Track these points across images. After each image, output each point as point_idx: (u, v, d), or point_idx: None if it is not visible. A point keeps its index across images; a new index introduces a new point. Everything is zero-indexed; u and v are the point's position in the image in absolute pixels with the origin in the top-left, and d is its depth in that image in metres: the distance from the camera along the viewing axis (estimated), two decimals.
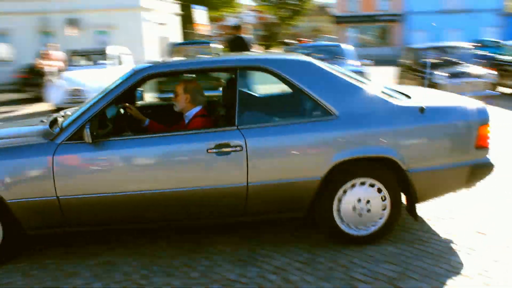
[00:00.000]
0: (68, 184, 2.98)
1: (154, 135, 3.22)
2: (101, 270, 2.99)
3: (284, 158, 3.12)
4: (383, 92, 3.42)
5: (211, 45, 11.71)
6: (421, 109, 3.23)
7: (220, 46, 12.35)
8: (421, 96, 3.77)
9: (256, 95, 4.07)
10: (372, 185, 3.22)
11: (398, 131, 3.20)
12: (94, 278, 2.88)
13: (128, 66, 12.17)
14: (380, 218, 3.28)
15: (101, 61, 11.79)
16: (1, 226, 3.07)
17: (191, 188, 3.07)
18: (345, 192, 3.22)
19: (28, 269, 3.04)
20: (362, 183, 3.22)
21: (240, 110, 3.16)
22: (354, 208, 3.25)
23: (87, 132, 2.86)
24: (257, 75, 4.01)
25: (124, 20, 22.53)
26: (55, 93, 10.13)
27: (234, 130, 3.06)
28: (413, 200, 3.31)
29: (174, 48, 12.01)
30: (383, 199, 3.24)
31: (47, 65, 11.59)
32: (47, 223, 3.11)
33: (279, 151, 3.12)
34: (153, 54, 22.46)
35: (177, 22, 28.48)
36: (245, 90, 3.71)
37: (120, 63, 11.75)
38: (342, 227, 3.27)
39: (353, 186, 3.22)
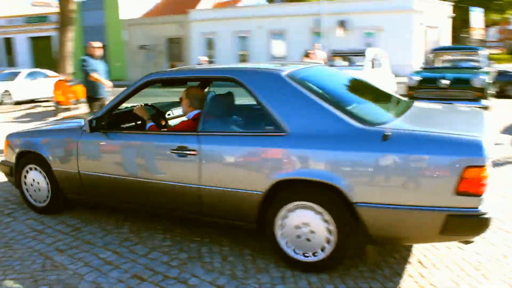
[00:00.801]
0: (83, 163, 3.89)
1: (138, 132, 3.93)
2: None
3: (231, 167, 3.22)
4: (357, 111, 3.12)
5: (480, 51, 11.10)
6: (385, 136, 2.81)
7: (494, 52, 11.53)
8: (418, 118, 3.33)
9: (224, 104, 3.93)
10: (318, 211, 3.02)
11: (347, 157, 2.90)
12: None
13: (386, 69, 12.75)
14: (323, 249, 3.06)
15: (358, 63, 12.17)
16: (50, 188, 4.23)
17: (158, 181, 3.52)
18: (288, 213, 3.11)
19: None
20: (306, 207, 3.05)
21: (204, 118, 3.40)
22: (296, 232, 3.11)
23: (87, 124, 3.75)
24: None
25: (393, 22, 22.93)
26: None
27: (193, 136, 3.34)
28: (368, 240, 2.99)
29: (435, 53, 11.87)
30: (329, 228, 3.01)
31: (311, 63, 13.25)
32: (76, 191, 4.07)
33: (228, 160, 3.23)
34: (421, 58, 22.28)
35: (448, 25, 27.37)
36: (218, 99, 3.77)
37: (378, 65, 11.84)
38: (286, 249, 3.17)
39: (297, 208, 3.08)
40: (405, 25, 23.04)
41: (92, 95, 7.46)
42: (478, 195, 2.73)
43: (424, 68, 10.63)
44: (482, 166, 2.70)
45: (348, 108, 3.18)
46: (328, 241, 3.05)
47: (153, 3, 34.42)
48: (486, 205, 2.77)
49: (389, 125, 2.97)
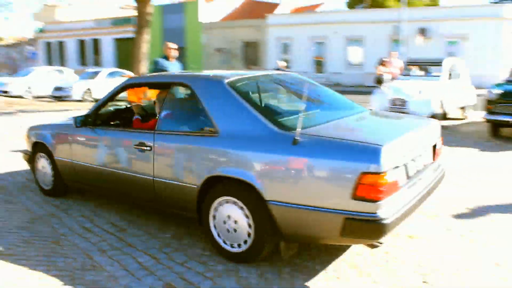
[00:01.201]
0: (74, 154, 4.64)
1: (111, 128, 4.54)
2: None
3: (176, 162, 3.73)
4: (281, 117, 3.62)
5: None
6: (294, 141, 3.10)
7: None
8: (345, 125, 3.67)
9: (178, 106, 4.37)
10: (240, 206, 3.37)
11: (261, 158, 3.22)
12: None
13: (464, 80, 12.04)
14: (246, 242, 3.39)
15: (435, 73, 11.78)
16: (53, 175, 4.99)
17: (124, 172, 4.11)
18: (219, 206, 3.50)
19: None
20: (232, 202, 3.41)
21: (161, 118, 3.98)
22: (225, 224, 3.50)
23: (73, 121, 4.48)
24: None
25: (479, 30, 21.76)
26: (378, 100, 11.06)
27: (151, 133, 3.89)
28: (280, 236, 3.27)
29: None
30: (249, 223, 3.35)
31: (385, 72, 12.87)
32: (71, 178, 4.82)
33: (173, 155, 3.77)
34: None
35: None
36: (174, 101, 4.33)
37: (456, 76, 11.27)
38: (218, 239, 3.56)
39: (226, 202, 3.45)
40: (492, 33, 21.73)
41: None
42: (375, 200, 2.85)
43: (508, 81, 9.76)
44: (378, 173, 2.83)
45: (274, 114, 3.74)
46: (249, 235, 3.38)
47: (232, 7, 35.37)
48: (386, 211, 2.89)
49: (306, 131, 3.20)
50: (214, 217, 3.54)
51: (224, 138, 3.45)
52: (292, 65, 28.50)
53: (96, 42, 39.91)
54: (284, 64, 15.74)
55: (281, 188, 3.17)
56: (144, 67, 14.34)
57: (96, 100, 17.61)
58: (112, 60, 37.28)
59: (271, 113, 3.68)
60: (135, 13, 14.21)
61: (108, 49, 38.80)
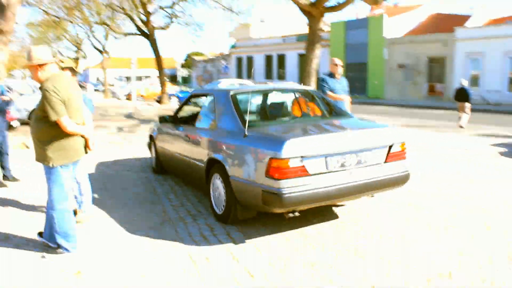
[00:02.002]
0: (162, 141, 7.33)
1: (180, 125, 6.72)
2: None
3: (195, 148, 5.85)
4: (251, 118, 5.40)
5: None
6: (244, 135, 4.76)
7: None
8: (295, 126, 5.49)
9: (207, 109, 6.25)
10: (221, 181, 5.08)
11: (229, 146, 4.98)
12: None
13: None
14: (223, 206, 5.11)
15: None
16: (156, 157, 7.88)
17: (179, 155, 6.54)
18: (214, 180, 5.28)
19: None
20: (218, 177, 5.14)
21: (198, 117, 6.30)
22: (215, 192, 5.31)
23: (159, 118, 7.04)
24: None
25: None
26: None
27: (190, 127, 6.39)
28: (238, 203, 4.86)
29: None
30: (225, 192, 5.00)
31: None
32: (162, 159, 7.45)
33: (194, 143, 5.90)
34: None
35: None
36: (206, 106, 6.42)
37: None
38: (213, 202, 5.41)
39: (217, 177, 5.19)
40: None
41: None
42: (278, 179, 4.22)
43: None
44: (281, 159, 4.20)
45: (248, 116, 5.01)
46: (225, 201, 5.05)
47: (416, 21, 35.15)
48: (288, 188, 4.21)
49: (258, 129, 4.96)
50: (212, 185, 5.34)
51: (218, 132, 5.35)
52: (482, 83, 27.21)
53: (281, 57, 43.83)
54: (466, 82, 15.73)
55: (235, 166, 4.80)
56: (313, 82, 15.95)
57: None
58: (295, 74, 40.51)
59: (245, 117, 5.01)
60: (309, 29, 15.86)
61: (292, 64, 42.22)
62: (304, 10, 15.27)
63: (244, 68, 48.71)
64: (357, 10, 46.78)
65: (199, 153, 5.68)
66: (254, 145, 4.59)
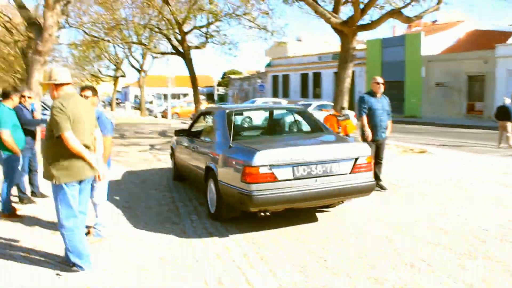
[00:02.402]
0: (178, 152, 8.46)
1: (184, 136, 8.10)
2: None
3: (197, 158, 6.98)
4: (240, 133, 7.00)
5: None
6: (229, 147, 5.84)
7: None
8: (275, 139, 6.93)
9: (211, 125, 7.47)
10: (213, 184, 6.12)
11: (217, 155, 6.04)
12: None
13: None
14: (215, 206, 6.18)
15: None
16: (174, 164, 9.07)
17: (187, 162, 7.82)
18: (209, 183, 6.27)
19: None
20: (212, 181, 6.18)
21: (203, 132, 7.63)
22: (210, 194, 6.36)
23: (175, 132, 8.30)
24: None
25: None
26: None
27: (192, 139, 7.63)
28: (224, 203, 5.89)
29: None
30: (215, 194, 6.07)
31: None
32: (179, 168, 8.52)
33: (196, 154, 7.11)
34: None
35: None
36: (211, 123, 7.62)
37: None
38: (209, 203, 6.37)
39: (211, 182, 6.22)
40: None
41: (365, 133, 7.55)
42: (249, 183, 5.16)
43: None
44: (252, 167, 5.15)
45: (236, 132, 6.30)
46: (216, 201, 5.98)
47: (454, 38, 34.47)
48: (257, 191, 5.14)
49: (241, 142, 6.01)
50: (208, 190, 6.30)
51: (215, 144, 6.31)
52: None
53: (317, 76, 43.80)
54: (509, 101, 15.26)
55: (222, 173, 5.77)
56: (346, 101, 15.82)
57: None
58: (331, 93, 40.32)
59: (234, 132, 6.08)
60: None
61: (328, 82, 42.05)
62: (336, 28, 15.25)
63: (280, 86, 48.91)
64: (395, 28, 46.26)
65: (201, 162, 6.78)
66: (235, 155, 5.61)
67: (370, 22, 15.71)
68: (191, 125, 8.32)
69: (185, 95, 67.07)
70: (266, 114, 8.01)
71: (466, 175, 9.13)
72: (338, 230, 5.78)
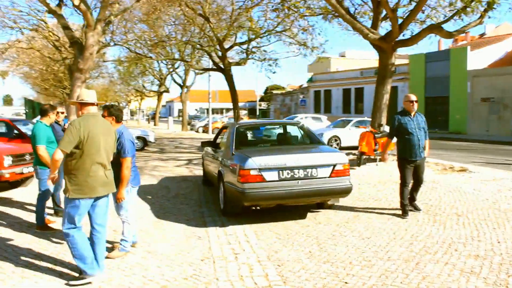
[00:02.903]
0: (204, 160, 10.14)
1: (208, 147, 9.79)
2: None
3: (215, 163, 8.46)
4: (243, 144, 8.02)
5: None
6: (232, 154, 7.22)
7: None
8: (269, 149, 8.30)
9: (226, 138, 8.55)
10: (222, 185, 7.45)
11: (224, 161, 7.49)
12: None
13: None
14: (223, 203, 7.53)
15: None
16: (204, 171, 10.51)
17: (211, 167, 9.41)
18: (220, 185, 7.64)
19: None
20: (221, 183, 7.51)
21: (221, 143, 9.11)
22: (220, 193, 7.78)
23: (201, 143, 10.52)
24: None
25: None
26: None
27: (217, 150, 9.00)
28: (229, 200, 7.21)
29: None
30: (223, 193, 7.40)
31: None
32: (205, 174, 10.30)
33: (214, 162, 8.68)
34: None
35: None
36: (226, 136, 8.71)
37: None
38: (221, 200, 7.66)
39: (221, 183, 7.54)
40: None
41: (403, 156, 7.20)
42: (243, 183, 6.46)
43: None
44: (245, 169, 6.46)
45: (240, 143, 7.82)
46: (223, 199, 7.39)
47: (501, 52, 33.28)
48: (249, 189, 6.45)
49: (242, 150, 7.24)
50: (220, 190, 7.60)
51: (224, 152, 7.74)
52: None
53: (359, 91, 43.32)
54: None
55: (226, 175, 7.12)
56: (384, 117, 15.51)
57: (342, 148, 20.02)
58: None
59: (238, 143, 7.71)
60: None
61: (370, 97, 41.45)
62: (375, 44, 15.09)
63: (322, 101, 48.66)
64: (440, 42, 45.30)
65: (216, 168, 8.19)
66: (235, 161, 6.87)
67: (409, 37, 15.45)
68: (215, 138, 9.95)
69: (228, 110, 67.81)
70: (270, 128, 10.62)
71: (504, 195, 8.74)
72: (360, 249, 5.66)
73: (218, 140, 9.68)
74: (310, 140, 8.50)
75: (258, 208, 7.01)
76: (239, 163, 6.62)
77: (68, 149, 4.37)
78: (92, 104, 4.71)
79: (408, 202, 7.37)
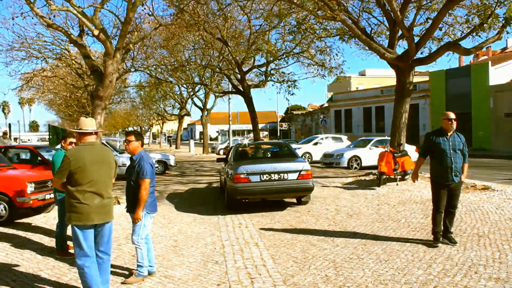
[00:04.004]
0: (222, 173, 12.84)
1: (222, 161, 13.08)
2: None
3: (224, 173, 11.60)
4: (241, 158, 11.22)
5: None
6: (232, 165, 10.61)
7: None
8: (260, 159, 11.84)
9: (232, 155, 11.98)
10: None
11: (226, 170, 11.04)
12: None
13: None
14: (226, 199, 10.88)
15: None
16: (220, 182, 13.73)
17: (223, 175, 12.62)
18: (225, 186, 10.95)
19: None
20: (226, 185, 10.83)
21: (229, 157, 12.23)
22: (225, 194, 10.96)
23: (218, 159, 13.85)
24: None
25: None
26: None
27: (227, 164, 12.17)
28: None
29: None
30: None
31: None
32: (222, 184, 13.08)
33: (224, 171, 11.85)
34: None
35: None
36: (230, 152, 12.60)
37: None
38: (226, 197, 10.94)
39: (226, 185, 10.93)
40: None
41: (436, 179, 6.69)
42: (235, 182, 9.62)
43: None
44: (236, 174, 9.64)
45: (239, 158, 11.07)
46: (226, 196, 10.84)
47: None
48: (239, 187, 9.61)
49: (238, 162, 10.41)
50: (225, 191, 10.50)
51: (228, 165, 10.95)
52: None
53: (380, 109, 43.08)
54: None
55: (227, 179, 10.18)
56: (403, 137, 15.31)
57: (363, 168, 19.87)
58: None
59: (236, 159, 10.86)
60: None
61: (391, 116, 41.14)
62: (392, 63, 15.09)
63: (343, 121, 48.55)
64: (461, 58, 44.93)
65: (223, 176, 11.36)
66: (231, 169, 9.98)
67: (427, 55, 15.40)
68: (226, 155, 12.68)
69: (249, 131, 68.03)
70: (262, 145, 13.81)
71: None
72: (378, 271, 5.60)
73: (228, 156, 12.63)
74: (289, 153, 11.73)
75: (247, 200, 10.20)
76: (233, 170, 9.81)
77: (62, 179, 4.61)
78: (90, 133, 4.85)
79: (440, 230, 6.77)
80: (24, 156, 13.23)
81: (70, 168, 4.57)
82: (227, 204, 10.32)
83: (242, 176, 9.51)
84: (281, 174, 9.69)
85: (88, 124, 4.88)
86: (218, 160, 13.39)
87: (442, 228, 6.81)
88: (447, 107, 33.95)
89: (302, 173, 9.80)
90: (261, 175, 9.60)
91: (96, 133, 4.95)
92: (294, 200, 11.05)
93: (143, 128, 75.78)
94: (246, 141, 16.52)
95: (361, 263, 6.00)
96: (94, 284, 4.62)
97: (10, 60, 19.61)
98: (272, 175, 9.64)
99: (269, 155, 12.48)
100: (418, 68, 18.47)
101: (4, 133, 18.67)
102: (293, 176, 9.76)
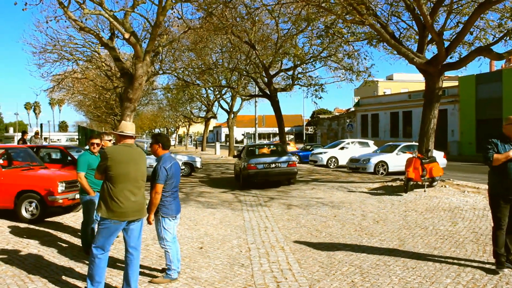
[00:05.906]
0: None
1: (237, 157, 19.82)
2: None
3: (238, 165, 17.81)
4: (250, 155, 17.16)
5: None
6: (244, 159, 16.65)
7: None
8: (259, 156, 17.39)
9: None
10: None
11: (241, 162, 16.90)
12: None
13: None
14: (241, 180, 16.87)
15: None
16: (235, 171, 19.63)
17: (238, 166, 18.71)
18: (239, 174, 17.12)
19: None
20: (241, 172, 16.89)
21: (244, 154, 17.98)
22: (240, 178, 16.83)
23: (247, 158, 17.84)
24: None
25: None
26: None
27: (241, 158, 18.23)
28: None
29: None
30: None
31: None
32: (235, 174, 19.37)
33: (238, 164, 17.65)
34: None
35: None
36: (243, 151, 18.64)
37: None
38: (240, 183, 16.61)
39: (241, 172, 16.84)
40: None
41: (496, 191, 5.70)
42: (248, 169, 15.62)
43: None
44: (248, 164, 15.66)
45: (249, 155, 16.85)
46: (240, 179, 16.73)
47: None
48: (250, 171, 15.58)
49: (246, 158, 16.34)
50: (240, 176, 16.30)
51: (243, 159, 16.56)
52: None
53: (407, 114, 42.56)
54: None
55: (242, 168, 15.90)
56: (432, 142, 15.07)
57: (389, 174, 19.63)
58: None
59: (247, 155, 16.72)
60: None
61: (418, 121, 40.60)
62: (421, 68, 14.91)
63: (369, 126, 48.11)
64: (493, 63, 44.02)
65: (238, 166, 16.58)
66: (244, 161, 15.68)
67: (457, 60, 15.17)
68: (240, 153, 17.96)
69: (275, 135, 68.05)
70: (265, 146, 18.59)
71: None
72: (405, 279, 5.54)
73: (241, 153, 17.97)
74: (281, 151, 17.62)
75: (255, 181, 15.35)
76: (247, 162, 15.30)
77: (100, 173, 4.86)
78: (130, 137, 5.11)
79: (503, 252, 5.77)
80: (55, 156, 13.56)
81: (107, 163, 4.77)
82: (242, 184, 15.71)
83: (252, 165, 15.26)
84: (276, 163, 15.61)
85: (129, 127, 5.16)
86: (234, 156, 19.72)
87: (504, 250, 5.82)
88: (477, 113, 33.32)
89: (290, 163, 15.81)
90: (264, 165, 15.45)
91: (134, 137, 5.16)
92: (320, 204, 11.04)
93: (170, 130, 76.54)
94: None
95: (388, 270, 5.95)
96: (97, 275, 4.83)
97: (43, 62, 20.17)
98: (271, 164, 15.56)
99: (270, 152, 17.82)
100: (447, 73, 18.14)
101: (36, 133, 19.15)
102: (284, 165, 15.68)
